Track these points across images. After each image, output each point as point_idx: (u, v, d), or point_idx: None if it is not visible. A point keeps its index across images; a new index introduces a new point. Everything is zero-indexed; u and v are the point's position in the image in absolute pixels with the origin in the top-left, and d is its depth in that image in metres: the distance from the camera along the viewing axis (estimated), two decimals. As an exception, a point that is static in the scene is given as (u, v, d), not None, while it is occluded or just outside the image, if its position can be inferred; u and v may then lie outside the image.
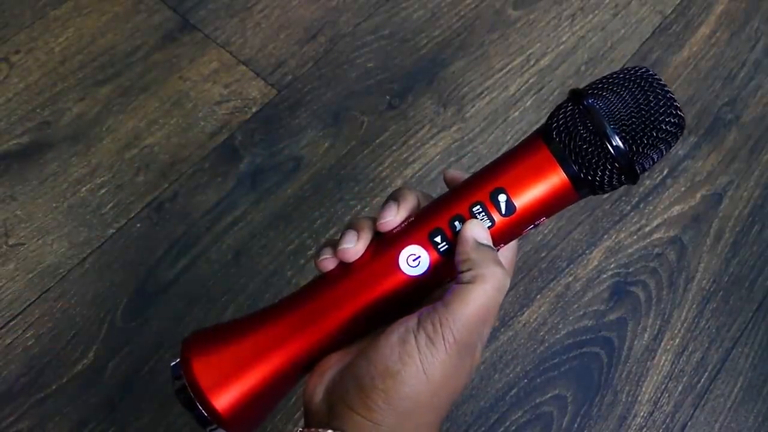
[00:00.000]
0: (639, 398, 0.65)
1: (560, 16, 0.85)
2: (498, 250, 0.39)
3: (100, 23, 0.82)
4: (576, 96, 0.38)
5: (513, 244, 0.41)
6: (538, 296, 0.69)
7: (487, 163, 0.40)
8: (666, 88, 0.37)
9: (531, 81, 0.81)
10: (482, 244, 0.37)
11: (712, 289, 0.70)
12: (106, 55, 0.80)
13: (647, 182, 0.75)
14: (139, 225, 0.71)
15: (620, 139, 0.36)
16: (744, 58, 0.83)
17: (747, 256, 0.72)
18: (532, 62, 0.82)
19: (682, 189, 0.75)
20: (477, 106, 0.79)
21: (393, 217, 0.39)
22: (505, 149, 0.70)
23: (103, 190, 0.73)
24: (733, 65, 0.83)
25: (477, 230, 0.37)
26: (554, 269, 0.70)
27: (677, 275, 0.71)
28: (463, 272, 0.36)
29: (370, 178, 0.74)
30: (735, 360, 0.67)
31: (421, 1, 0.86)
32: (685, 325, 0.69)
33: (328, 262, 0.39)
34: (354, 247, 0.38)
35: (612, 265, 0.71)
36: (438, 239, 0.38)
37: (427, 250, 0.38)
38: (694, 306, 0.69)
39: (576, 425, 0.64)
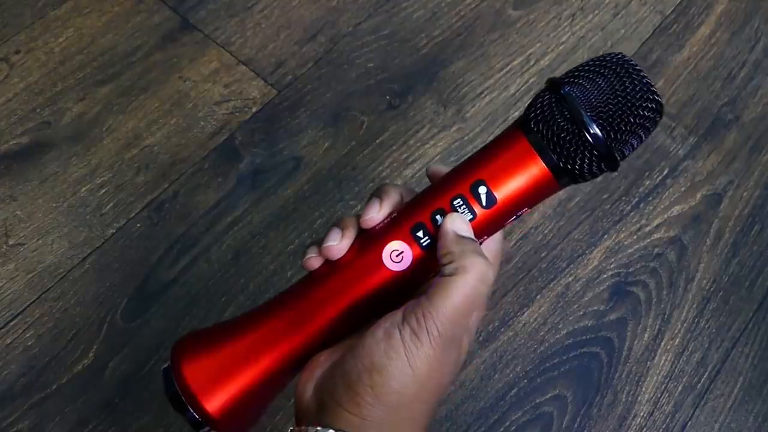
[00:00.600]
0: (639, 398, 0.65)
1: (560, 16, 0.85)
2: (482, 242, 0.39)
3: (100, 23, 0.82)
4: (553, 85, 0.38)
5: (498, 235, 0.41)
6: (538, 296, 0.69)
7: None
8: (642, 74, 0.37)
9: (531, 81, 0.81)
10: (463, 237, 0.37)
11: (712, 289, 0.70)
12: (106, 55, 0.80)
13: (647, 182, 0.75)
14: (139, 225, 0.71)
15: (598, 127, 0.36)
16: (744, 58, 0.83)
17: (747, 256, 0.72)
18: (532, 62, 0.82)
19: (682, 189, 0.75)
20: (477, 106, 0.79)
21: (376, 214, 0.39)
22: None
23: (103, 190, 0.73)
24: (733, 65, 0.83)
25: (457, 223, 0.37)
26: (554, 269, 0.70)
27: (677, 275, 0.71)
28: (445, 265, 0.36)
29: (370, 178, 0.74)
30: (735, 360, 0.67)
31: (421, 1, 0.86)
32: (685, 325, 0.69)
33: (314, 261, 0.39)
34: (338, 244, 0.38)
35: (612, 265, 0.71)
36: (420, 234, 0.38)
37: (409, 245, 0.38)
38: (694, 306, 0.69)
39: (576, 425, 0.64)
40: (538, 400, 0.65)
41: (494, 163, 0.38)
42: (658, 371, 0.66)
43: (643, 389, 0.66)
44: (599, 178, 0.62)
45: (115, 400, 0.63)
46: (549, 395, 0.65)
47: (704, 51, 0.84)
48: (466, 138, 0.77)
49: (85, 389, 0.63)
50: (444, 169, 0.41)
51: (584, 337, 0.68)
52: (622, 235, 0.72)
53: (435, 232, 0.38)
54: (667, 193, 0.75)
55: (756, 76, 0.82)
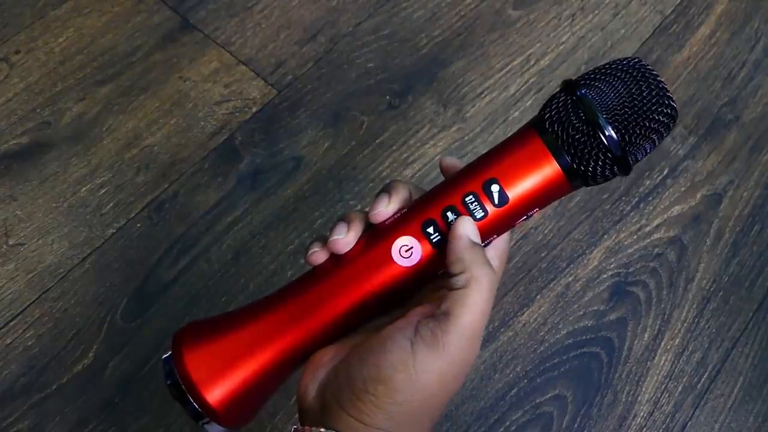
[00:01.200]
0: (639, 398, 0.65)
1: (560, 16, 0.85)
2: (491, 241, 0.39)
3: (100, 23, 0.82)
4: (569, 87, 0.38)
5: (505, 235, 0.41)
6: (538, 296, 0.69)
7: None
8: (659, 79, 0.37)
9: (531, 81, 0.81)
10: (474, 243, 0.37)
11: (712, 289, 0.70)
12: (106, 55, 0.80)
13: (647, 182, 0.75)
14: (139, 225, 0.71)
15: (613, 129, 0.36)
16: (744, 58, 0.83)
17: (747, 256, 0.72)
18: (532, 62, 0.82)
19: (682, 189, 0.75)
20: (477, 106, 0.79)
21: (385, 208, 0.39)
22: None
23: (103, 190, 0.73)
24: (733, 65, 0.83)
25: (469, 228, 0.37)
26: (554, 269, 0.70)
27: (677, 275, 0.71)
28: (456, 275, 0.36)
29: (370, 178, 0.74)
30: (735, 360, 0.67)
31: (421, 1, 0.86)
32: (685, 325, 0.69)
33: (318, 255, 0.39)
34: (345, 237, 0.38)
35: (612, 265, 0.71)
36: (431, 230, 0.38)
37: (419, 241, 0.38)
38: (694, 306, 0.69)
39: (576, 425, 0.64)
40: (538, 400, 0.65)
41: (507, 162, 0.38)
42: (658, 371, 0.66)
43: (643, 389, 0.66)
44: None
45: (115, 400, 0.63)
46: (549, 395, 0.65)
47: (704, 51, 0.84)
48: (466, 138, 0.77)
49: (85, 389, 0.63)
50: (457, 161, 0.41)
51: (584, 337, 0.68)
52: (622, 235, 0.72)
53: (445, 229, 0.38)
54: (667, 193, 0.75)
55: (756, 76, 0.82)
